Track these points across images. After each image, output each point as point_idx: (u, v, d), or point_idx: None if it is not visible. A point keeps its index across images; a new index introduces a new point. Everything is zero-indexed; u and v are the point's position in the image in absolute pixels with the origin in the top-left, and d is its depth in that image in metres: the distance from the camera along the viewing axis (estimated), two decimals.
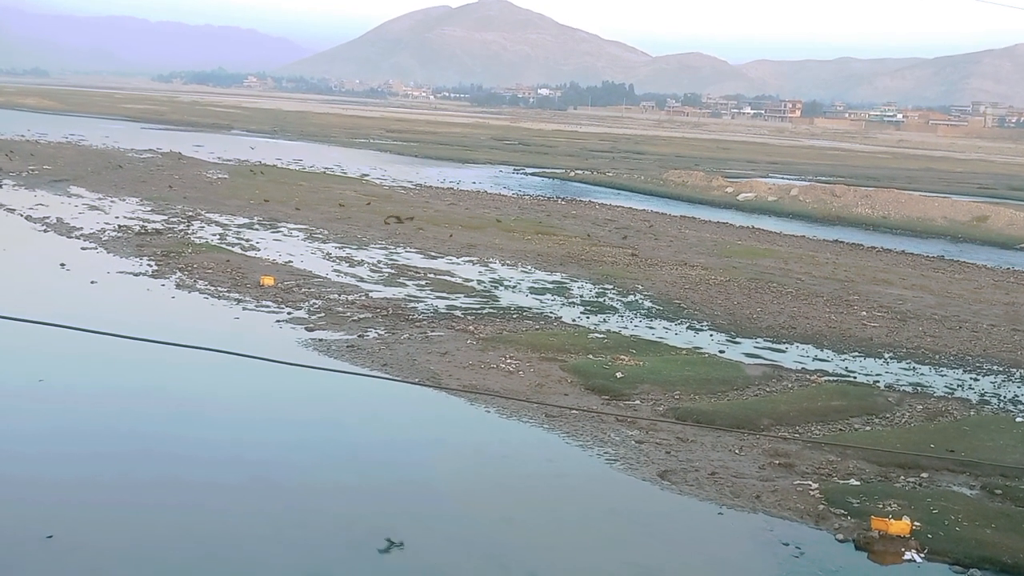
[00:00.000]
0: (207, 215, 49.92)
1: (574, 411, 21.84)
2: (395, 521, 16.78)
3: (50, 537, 15.39)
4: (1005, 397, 25.37)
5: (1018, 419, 23.28)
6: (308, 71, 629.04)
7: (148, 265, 36.09)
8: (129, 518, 16.38)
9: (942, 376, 27.17)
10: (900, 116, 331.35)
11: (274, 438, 20.30)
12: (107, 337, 13.33)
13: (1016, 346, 31.00)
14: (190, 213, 50.14)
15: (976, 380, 26.92)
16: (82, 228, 43.38)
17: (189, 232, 44.19)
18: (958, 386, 26.21)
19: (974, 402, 24.68)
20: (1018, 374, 27.76)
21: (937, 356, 29.22)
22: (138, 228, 44.22)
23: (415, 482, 18.58)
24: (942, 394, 25.27)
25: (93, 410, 21.42)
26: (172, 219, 47.81)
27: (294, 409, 22.03)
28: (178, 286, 33.01)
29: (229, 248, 40.67)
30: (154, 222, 46.48)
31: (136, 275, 34.48)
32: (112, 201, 53.39)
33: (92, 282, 33.05)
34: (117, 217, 47.39)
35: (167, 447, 19.33)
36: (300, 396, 22.62)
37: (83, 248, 39.10)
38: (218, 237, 43.36)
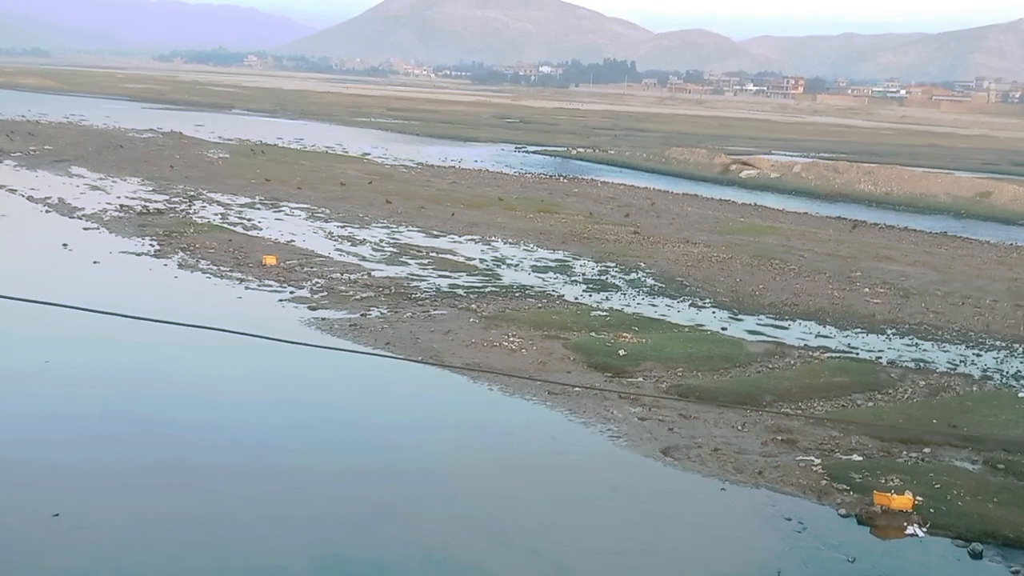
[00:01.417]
0: (209, 195, 49.87)
1: (577, 388, 21.88)
2: (396, 500, 16.85)
3: (56, 515, 15.49)
4: (1007, 372, 25.39)
5: (1020, 394, 23.31)
6: (309, 50, 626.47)
7: (150, 245, 36.09)
8: (132, 499, 16.47)
9: (945, 352, 27.18)
10: (903, 92, 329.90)
11: (276, 419, 20.36)
12: (110, 317, 13.35)
13: (1019, 322, 30.99)
14: (192, 193, 50.10)
15: (979, 356, 26.93)
16: (84, 208, 43.36)
17: (191, 212, 44.17)
18: (961, 362, 26.23)
19: (976, 377, 24.70)
20: (1021, 349, 27.76)
21: (940, 332, 29.22)
22: (140, 208, 44.20)
23: (417, 460, 18.64)
24: (944, 370, 25.29)
25: (97, 391, 21.48)
26: (174, 199, 47.77)
27: (296, 389, 22.07)
28: (180, 266, 33.03)
29: (231, 228, 40.66)
30: (156, 202, 46.44)
31: (138, 255, 34.49)
32: (114, 181, 53.34)
33: (95, 262, 33.07)
34: (119, 197, 47.35)
35: (169, 428, 19.42)
36: (302, 375, 22.67)
37: (85, 228, 39.10)
38: (220, 217, 43.33)
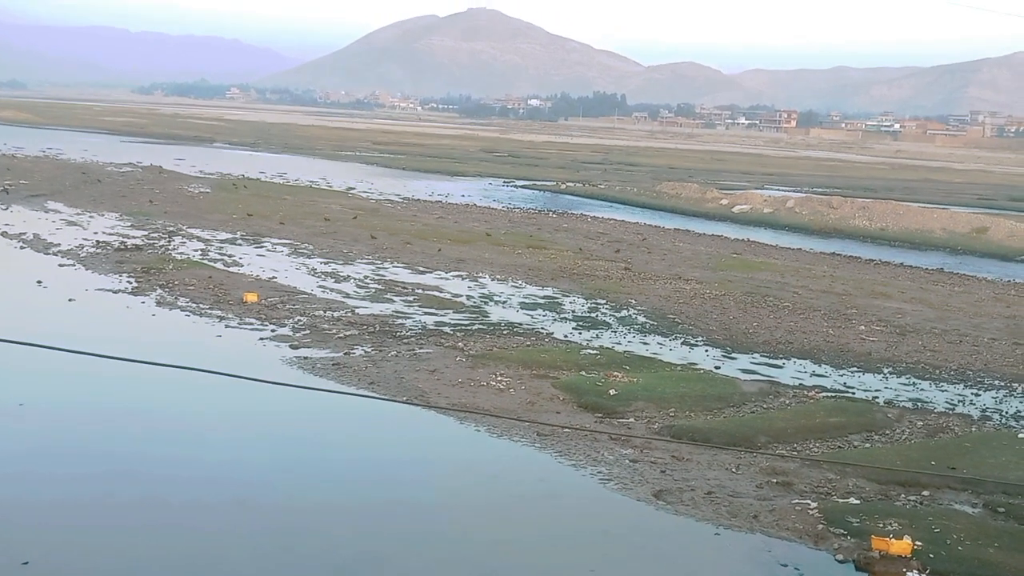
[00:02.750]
0: (189, 230, 49.84)
1: (567, 429, 21.82)
2: (383, 543, 16.72)
3: (26, 563, 15.28)
4: (1007, 412, 25.45)
5: (1020, 435, 23.34)
6: (292, 82, 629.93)
7: (128, 282, 35.99)
8: (109, 540, 16.32)
9: (943, 391, 27.24)
10: (897, 126, 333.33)
11: (257, 458, 20.21)
12: (86, 357, 13.26)
13: (1018, 360, 31.12)
14: (171, 228, 50.06)
15: (977, 395, 27.00)
16: (60, 244, 43.25)
17: (170, 248, 44.10)
18: (959, 401, 26.28)
19: (975, 418, 24.75)
20: (1020, 389, 27.85)
21: (937, 371, 29.30)
22: (117, 244, 44.11)
23: (403, 503, 18.52)
24: (943, 410, 25.33)
25: (72, 431, 21.30)
26: (152, 234, 47.71)
27: (278, 429, 21.94)
28: (159, 303, 32.92)
29: (211, 264, 40.59)
30: (134, 238, 46.37)
31: (115, 292, 34.38)
32: (91, 216, 53.27)
33: (70, 300, 32.92)
34: (96, 233, 47.26)
35: (148, 467, 19.26)
36: (284, 416, 22.54)
37: (61, 265, 38.98)
38: (200, 253, 43.28)
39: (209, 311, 31.99)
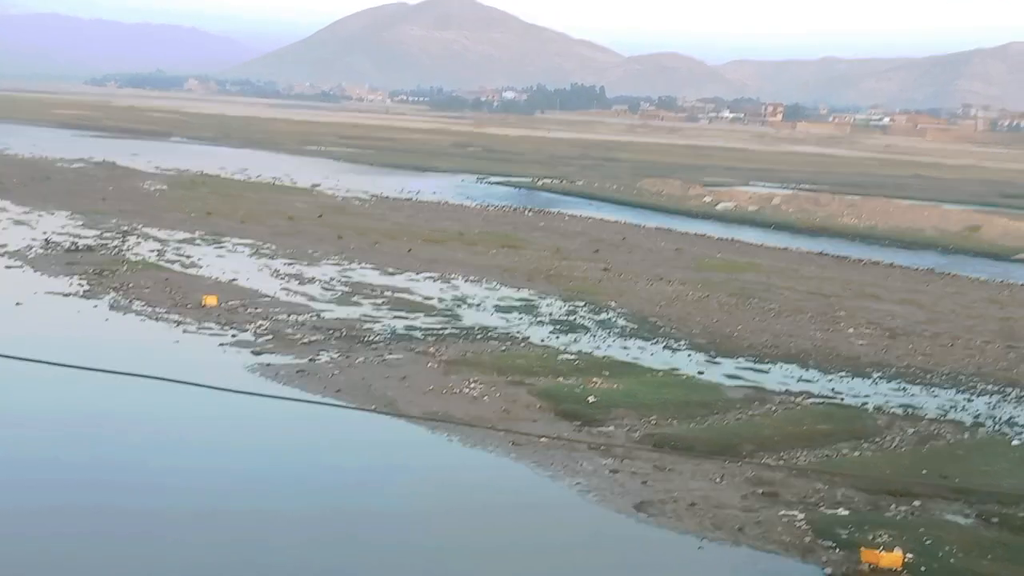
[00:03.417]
0: (144, 230, 49.51)
1: (544, 439, 21.82)
2: (351, 557, 16.66)
3: None
4: (1000, 419, 25.70)
5: (1014, 442, 23.59)
6: (254, 73, 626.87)
7: (79, 285, 35.69)
8: (65, 550, 16.26)
9: (934, 397, 27.47)
10: (887, 120, 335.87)
11: (217, 468, 20.11)
12: (34, 364, 13.16)
13: (1011, 364, 31.44)
14: (125, 228, 49.71)
15: (970, 401, 27.25)
16: (6, 245, 42.83)
17: (124, 248, 43.79)
18: (951, 407, 26.51)
19: (968, 424, 24.97)
20: (1014, 394, 28.13)
21: (928, 375, 29.55)
22: (68, 244, 43.75)
23: (374, 515, 18.50)
24: (934, 416, 25.54)
25: (21, 440, 21.12)
26: (106, 234, 47.35)
27: (238, 439, 21.85)
28: (112, 307, 32.67)
29: (168, 266, 40.34)
30: (86, 238, 46.01)
31: (66, 295, 34.09)
32: (40, 215, 52.80)
33: (17, 304, 32.62)
34: (45, 232, 46.84)
35: (104, 475, 19.27)
36: (245, 426, 22.43)
37: (7, 267, 38.61)
38: (156, 254, 43.00)
39: (166, 315, 31.79)
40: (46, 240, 44.58)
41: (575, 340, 31.73)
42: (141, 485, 19.02)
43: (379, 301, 35.80)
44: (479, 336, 31.30)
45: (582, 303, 37.44)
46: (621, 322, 34.62)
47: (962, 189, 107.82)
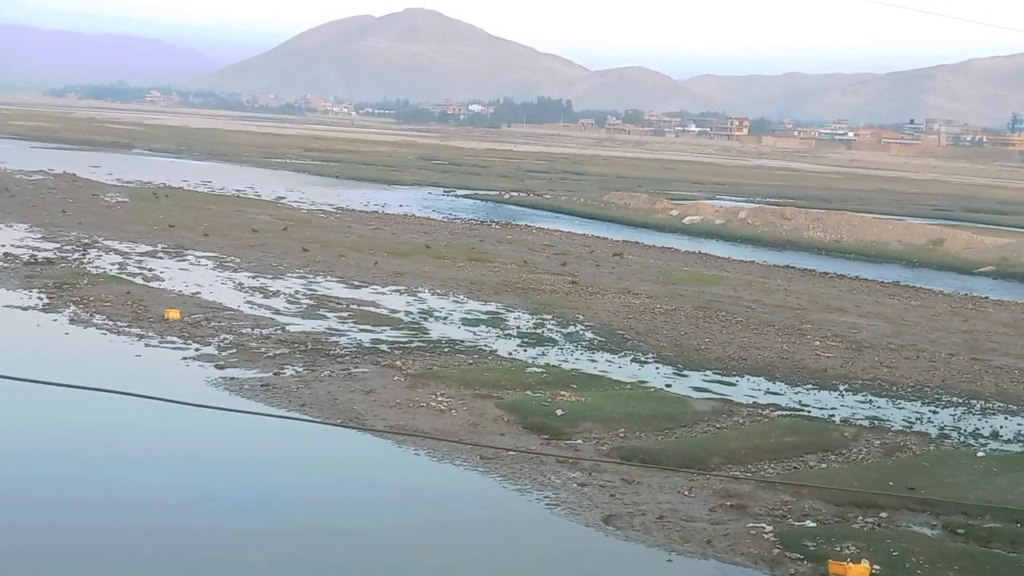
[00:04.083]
0: (105, 242, 49.02)
1: (511, 452, 21.79)
2: (316, 573, 16.53)
3: None
4: (965, 431, 25.96)
5: (979, 454, 23.83)
6: (217, 85, 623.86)
7: (38, 298, 35.25)
8: (18, 571, 15.90)
9: (900, 409, 27.72)
10: (851, 134, 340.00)
11: (180, 484, 19.85)
12: None
13: (976, 376, 31.80)
14: (86, 240, 49.19)
15: (935, 413, 27.52)
16: None
17: (85, 261, 43.33)
18: (916, 419, 26.77)
19: (933, 436, 25.22)
20: (979, 406, 28.45)
21: (894, 388, 29.83)
22: (27, 257, 43.22)
23: (337, 532, 18.34)
24: (900, 428, 25.77)
25: None
26: (66, 247, 46.84)
27: (202, 454, 21.62)
28: (72, 321, 32.29)
29: (130, 279, 39.95)
30: (45, 251, 45.47)
31: (25, 309, 33.66)
32: None
33: None
34: (3, 245, 46.23)
35: (61, 494, 18.91)
36: (209, 440, 22.23)
37: None
38: (117, 267, 42.58)
39: (127, 329, 31.46)
40: (4, 253, 44.01)
41: (543, 353, 31.74)
42: (99, 504, 18.73)
43: (345, 314, 35.64)
44: (446, 349, 31.24)
45: (550, 316, 37.48)
46: (589, 335, 34.69)
47: (926, 203, 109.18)
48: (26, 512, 18.36)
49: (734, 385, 29.27)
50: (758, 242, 69.26)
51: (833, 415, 26.60)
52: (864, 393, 29.11)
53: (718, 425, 24.97)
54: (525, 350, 32.03)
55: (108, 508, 18.76)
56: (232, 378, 26.73)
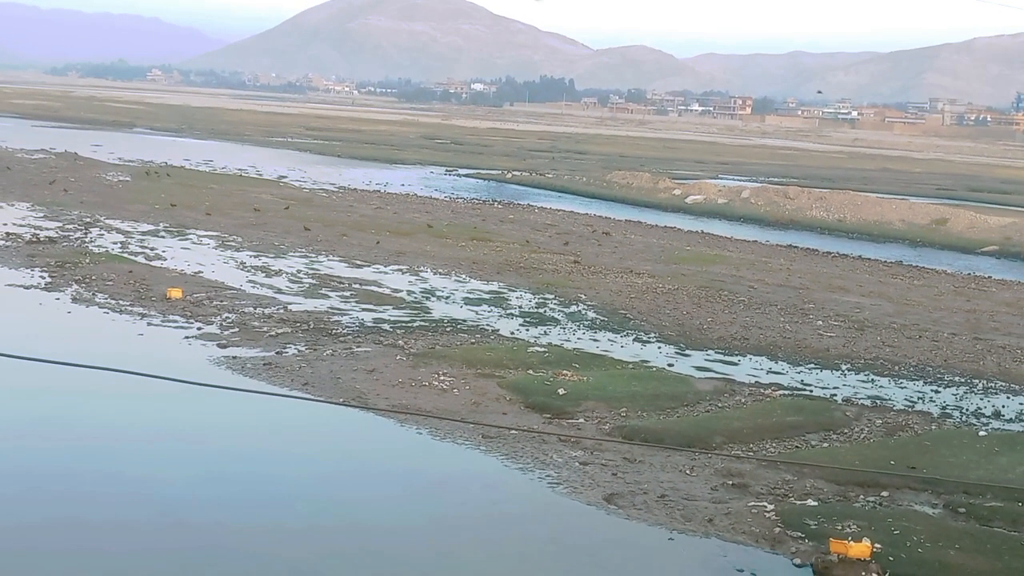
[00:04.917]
0: (107, 221, 49.01)
1: (513, 431, 21.86)
2: (318, 559, 16.59)
3: None
4: (967, 410, 26.00)
5: (981, 433, 23.87)
6: (218, 64, 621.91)
7: (40, 277, 35.28)
8: (20, 567, 15.87)
9: (902, 388, 27.76)
10: (855, 113, 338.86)
11: (184, 469, 19.90)
12: None
13: (978, 356, 31.81)
14: (88, 219, 49.18)
15: (937, 392, 27.56)
16: None
17: (87, 240, 43.34)
18: (918, 399, 26.80)
19: (935, 415, 25.26)
20: (980, 385, 28.48)
21: (896, 367, 29.85)
22: (29, 236, 43.23)
23: (340, 514, 18.40)
24: (902, 407, 25.81)
25: None
26: (68, 226, 46.83)
27: (205, 436, 21.67)
28: (74, 300, 32.32)
29: (132, 258, 39.97)
30: (47, 229, 45.48)
31: (27, 288, 33.69)
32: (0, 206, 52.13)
33: None
34: (5, 224, 46.24)
35: (62, 484, 18.84)
36: (212, 421, 22.28)
37: None
38: (119, 245, 42.58)
39: (130, 308, 31.49)
40: (6, 232, 44.02)
41: (545, 333, 31.76)
42: (102, 494, 18.58)
43: (347, 293, 35.65)
44: (448, 329, 31.27)
45: (552, 296, 37.48)
46: (591, 314, 34.70)
47: (929, 183, 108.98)
48: (29, 506, 18.33)
49: (736, 364, 29.30)
50: (761, 222, 69.17)
51: (835, 394, 26.64)
52: (866, 372, 29.13)
53: (720, 404, 25.01)
54: (527, 329, 32.06)
55: (113, 499, 18.75)
56: (234, 357, 26.78)
